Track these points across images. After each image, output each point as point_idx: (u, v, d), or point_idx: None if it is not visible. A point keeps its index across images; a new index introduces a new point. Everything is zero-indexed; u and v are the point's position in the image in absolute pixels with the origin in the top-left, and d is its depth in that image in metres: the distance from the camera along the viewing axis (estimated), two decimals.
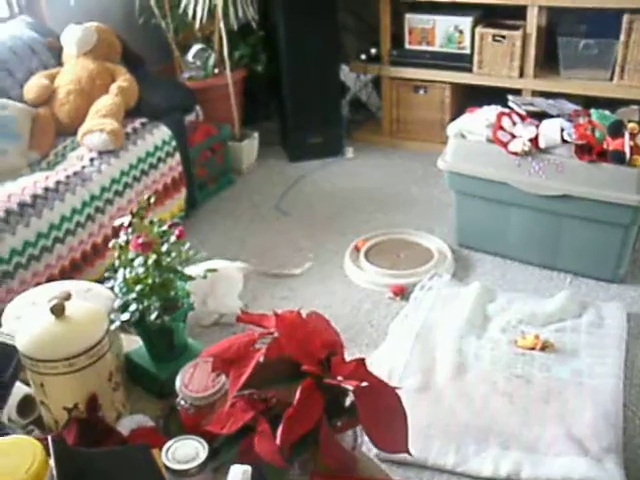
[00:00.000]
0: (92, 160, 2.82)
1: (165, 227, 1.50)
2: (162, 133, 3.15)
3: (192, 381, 1.35)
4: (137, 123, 3.11)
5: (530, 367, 2.30)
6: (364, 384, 1.14)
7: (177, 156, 3.22)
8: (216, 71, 3.86)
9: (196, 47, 3.85)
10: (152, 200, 1.53)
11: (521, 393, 2.19)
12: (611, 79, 3.51)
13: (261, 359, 1.18)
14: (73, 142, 2.94)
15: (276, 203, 3.54)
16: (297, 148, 4.00)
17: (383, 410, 1.16)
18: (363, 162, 3.97)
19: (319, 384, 1.14)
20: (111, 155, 2.87)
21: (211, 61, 3.84)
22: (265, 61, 4.05)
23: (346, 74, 4.27)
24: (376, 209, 3.43)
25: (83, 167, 2.77)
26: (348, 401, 1.22)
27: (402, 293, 2.72)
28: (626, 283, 2.76)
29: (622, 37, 3.38)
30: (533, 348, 2.37)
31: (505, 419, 2.09)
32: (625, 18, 3.35)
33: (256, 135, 3.97)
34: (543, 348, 2.36)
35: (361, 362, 1.23)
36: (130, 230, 1.48)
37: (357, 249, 3.00)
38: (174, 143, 3.20)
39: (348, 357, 2.13)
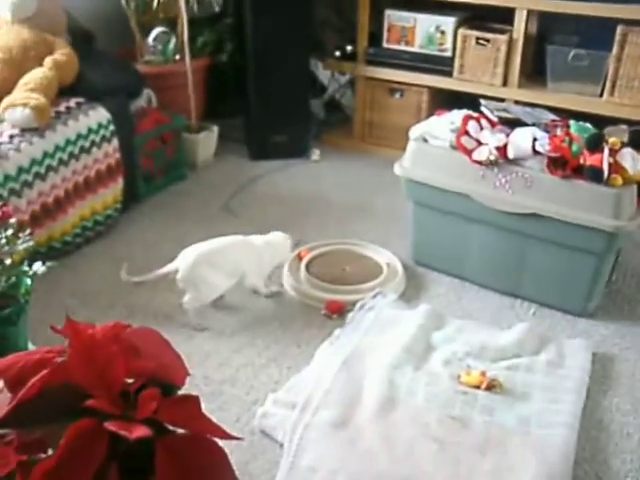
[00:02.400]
0: (12, 137, 2.53)
1: None
2: (99, 115, 2.85)
3: None
4: (72, 102, 2.80)
5: (470, 409, 1.95)
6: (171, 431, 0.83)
7: (115, 142, 2.91)
8: (177, 57, 3.56)
9: (157, 30, 3.54)
10: None
11: (455, 439, 1.85)
12: (601, 95, 3.21)
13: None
14: None
15: (225, 202, 3.23)
16: (260, 146, 3.69)
17: (198, 469, 0.84)
18: (328, 166, 3.66)
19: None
20: (35, 133, 2.58)
21: (171, 46, 3.54)
22: (231, 51, 3.74)
23: (322, 73, 3.97)
24: (332, 217, 3.11)
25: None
26: None
27: (339, 311, 2.39)
28: (596, 319, 2.43)
29: (615, 50, 3.08)
30: (478, 387, 2.03)
31: (431, 470, 1.75)
32: (619, 29, 3.05)
33: (215, 129, 3.65)
34: (489, 387, 2.02)
35: (192, 400, 0.92)
36: None
37: (299, 258, 2.68)
38: (112, 127, 2.89)
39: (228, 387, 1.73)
